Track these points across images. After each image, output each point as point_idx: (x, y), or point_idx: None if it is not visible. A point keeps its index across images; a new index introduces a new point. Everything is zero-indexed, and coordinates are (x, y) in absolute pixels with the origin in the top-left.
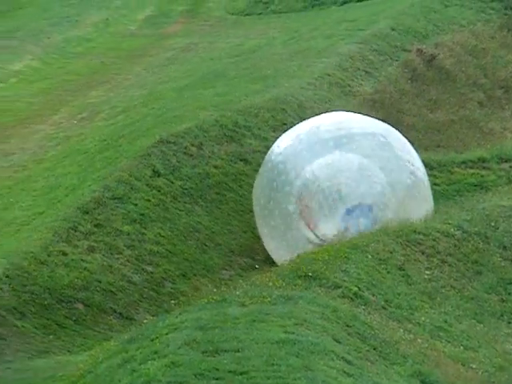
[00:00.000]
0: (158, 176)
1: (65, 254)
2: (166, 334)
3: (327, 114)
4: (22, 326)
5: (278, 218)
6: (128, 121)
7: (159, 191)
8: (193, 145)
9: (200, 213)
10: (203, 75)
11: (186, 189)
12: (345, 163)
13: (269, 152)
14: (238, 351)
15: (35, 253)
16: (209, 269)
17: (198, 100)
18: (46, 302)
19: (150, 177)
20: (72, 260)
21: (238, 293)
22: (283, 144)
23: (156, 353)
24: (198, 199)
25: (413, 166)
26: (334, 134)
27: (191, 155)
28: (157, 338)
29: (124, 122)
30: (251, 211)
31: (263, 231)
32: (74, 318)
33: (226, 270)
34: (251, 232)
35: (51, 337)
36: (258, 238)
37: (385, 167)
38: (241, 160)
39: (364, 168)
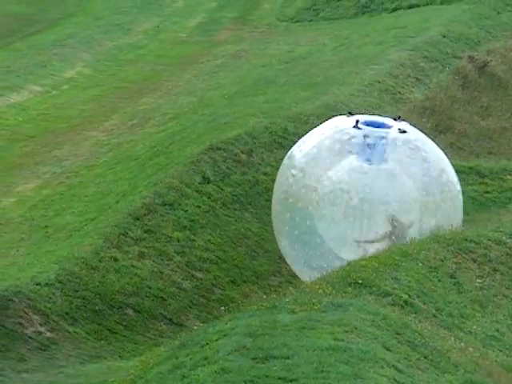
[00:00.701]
0: (208, 182)
1: (115, 259)
2: (216, 340)
3: (342, 117)
4: (74, 332)
5: (296, 224)
6: (178, 127)
7: (209, 198)
8: (243, 152)
9: (250, 219)
10: (253, 82)
11: (236, 195)
12: (367, 169)
13: (287, 157)
14: (288, 358)
15: (86, 258)
16: (258, 275)
17: (248, 107)
18: (97, 308)
19: (200, 183)
20: (123, 266)
21: (287, 300)
22: (303, 148)
23: (206, 359)
24: (247, 206)
25: (442, 172)
26: (351, 138)
27: (241, 162)
28: (207, 344)
29: (174, 129)
30: None
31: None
32: (124, 324)
33: (275, 276)
34: None
35: (102, 342)
36: None
37: (412, 173)
38: None
39: (388, 173)
